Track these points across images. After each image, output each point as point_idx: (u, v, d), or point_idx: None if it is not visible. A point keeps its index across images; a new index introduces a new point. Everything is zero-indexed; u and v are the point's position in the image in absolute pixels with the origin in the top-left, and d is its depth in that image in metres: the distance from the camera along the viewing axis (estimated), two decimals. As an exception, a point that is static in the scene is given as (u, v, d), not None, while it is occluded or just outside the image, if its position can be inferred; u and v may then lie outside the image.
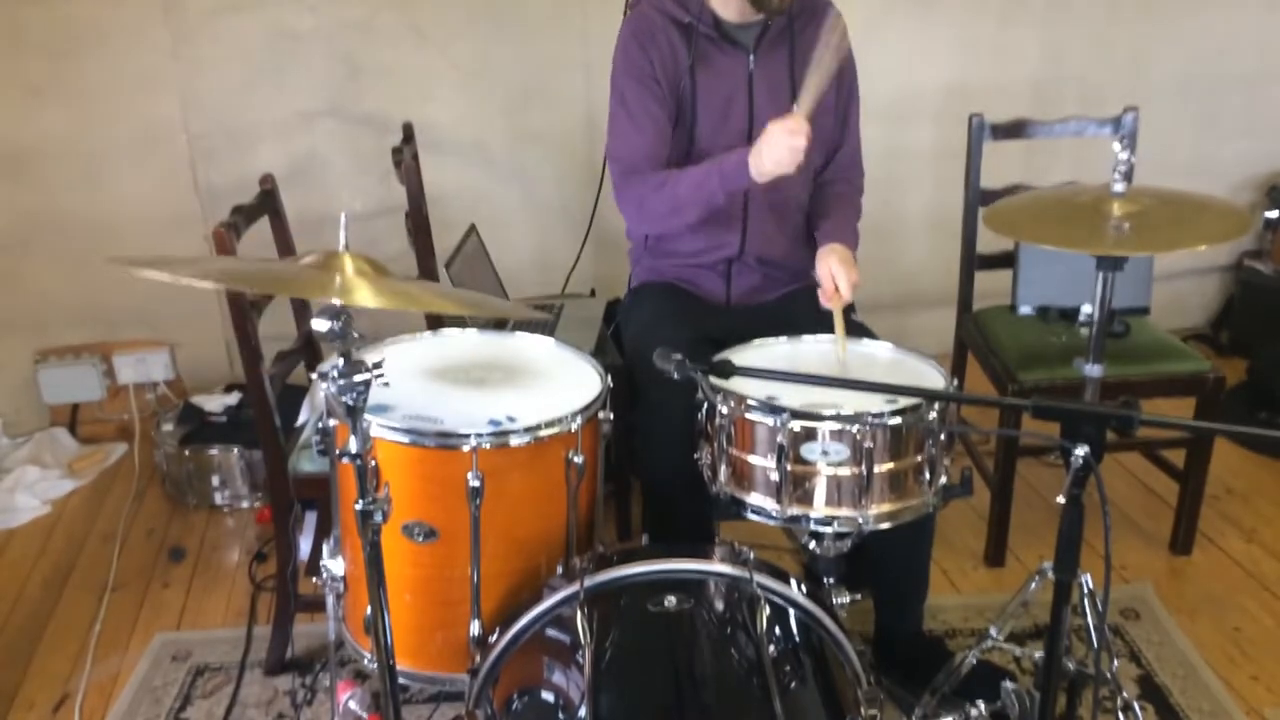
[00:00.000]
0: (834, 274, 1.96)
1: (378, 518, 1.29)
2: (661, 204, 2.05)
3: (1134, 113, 2.57)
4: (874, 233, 2.28)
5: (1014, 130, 2.61)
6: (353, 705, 1.91)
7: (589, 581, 1.46)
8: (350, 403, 1.25)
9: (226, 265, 1.26)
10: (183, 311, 3.15)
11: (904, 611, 2.12)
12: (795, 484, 1.59)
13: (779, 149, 1.87)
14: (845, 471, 1.57)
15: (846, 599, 1.63)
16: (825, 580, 1.68)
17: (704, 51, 2.05)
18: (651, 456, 1.98)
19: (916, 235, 3.45)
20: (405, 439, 1.54)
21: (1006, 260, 2.61)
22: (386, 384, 1.29)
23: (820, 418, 1.56)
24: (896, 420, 1.57)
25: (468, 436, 1.53)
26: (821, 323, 1.95)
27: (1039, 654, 1.61)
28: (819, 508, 1.60)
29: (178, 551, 2.65)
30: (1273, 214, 3.47)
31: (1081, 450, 1.29)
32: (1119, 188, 1.68)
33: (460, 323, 2.01)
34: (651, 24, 2.06)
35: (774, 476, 1.59)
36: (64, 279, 3.10)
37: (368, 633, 1.59)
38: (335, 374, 1.24)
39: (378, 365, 1.27)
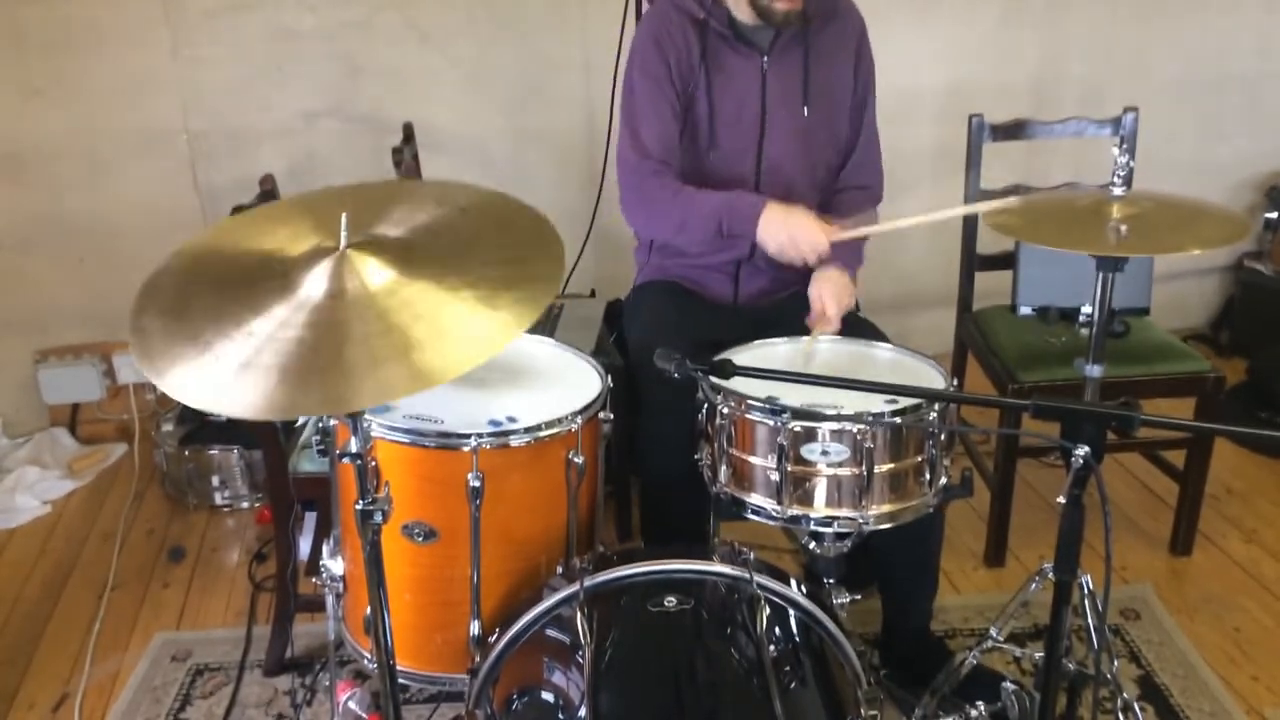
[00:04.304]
0: (824, 301, 1.97)
1: (378, 518, 1.29)
2: (673, 214, 2.04)
3: (1134, 113, 2.57)
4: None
5: (1014, 130, 2.61)
6: (353, 705, 1.91)
7: (589, 582, 1.46)
8: (350, 403, 1.24)
9: (251, 352, 1.05)
10: (183, 311, 3.16)
11: (911, 609, 2.11)
12: (795, 484, 1.60)
13: (796, 244, 1.93)
14: (845, 472, 1.57)
15: (846, 599, 1.62)
16: (825, 580, 1.68)
17: (718, 51, 2.05)
18: (652, 457, 1.98)
19: (916, 235, 3.43)
20: (405, 439, 1.54)
21: (1006, 260, 2.61)
22: (386, 384, 1.29)
23: (821, 418, 1.56)
24: (896, 420, 1.57)
25: (468, 437, 1.53)
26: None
27: (1039, 654, 1.61)
28: (819, 508, 1.60)
29: (177, 551, 2.65)
30: (1273, 215, 3.47)
31: (1081, 450, 1.29)
32: (1118, 191, 1.69)
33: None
34: (669, 22, 2.05)
35: (774, 477, 1.59)
36: (64, 279, 3.10)
37: (367, 633, 1.59)
38: (335, 374, 1.23)
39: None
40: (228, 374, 1.03)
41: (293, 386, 1.00)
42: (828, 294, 1.97)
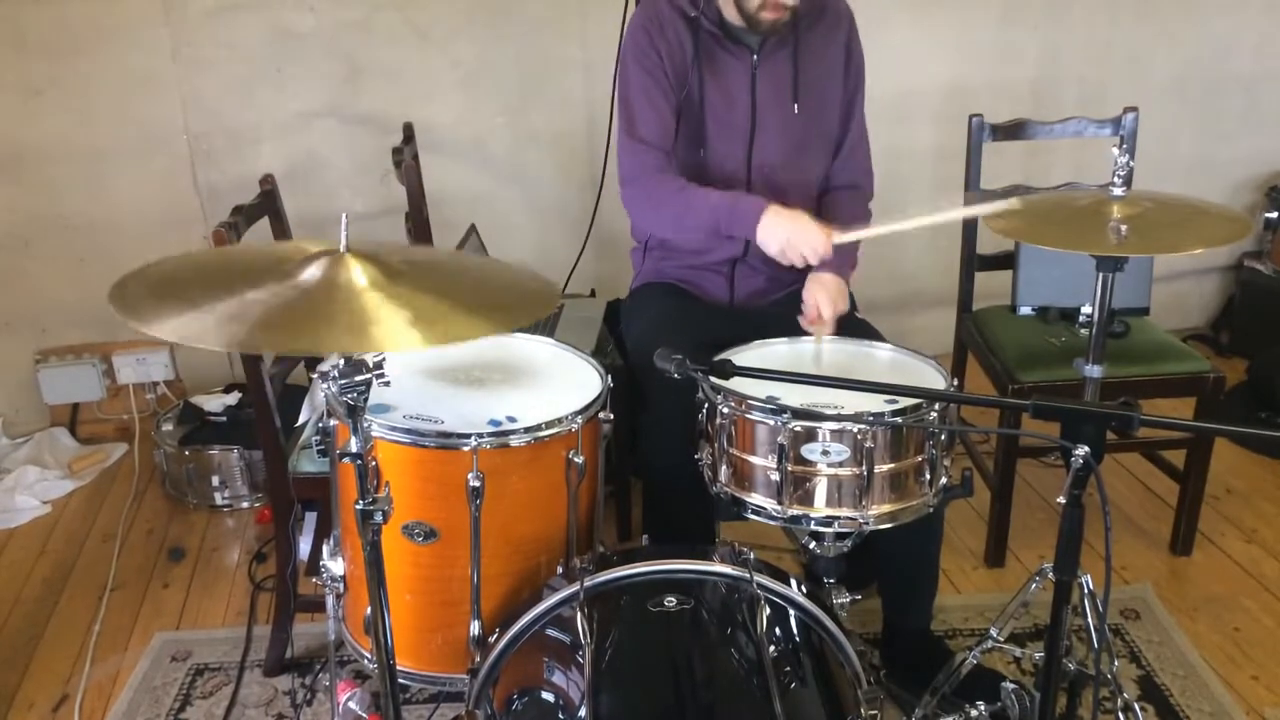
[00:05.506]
0: (819, 305, 1.97)
1: (378, 518, 1.29)
2: (673, 209, 2.04)
3: (1134, 113, 2.57)
4: (874, 233, 2.28)
5: (1014, 131, 2.61)
6: (353, 705, 1.91)
7: (589, 582, 1.46)
8: (350, 403, 1.25)
9: (239, 308, 1.16)
10: (183, 311, 3.16)
11: (911, 609, 2.11)
12: (796, 484, 1.60)
13: (796, 247, 1.90)
14: (846, 472, 1.57)
15: (846, 599, 1.63)
16: (825, 580, 1.68)
17: (709, 49, 2.05)
18: (653, 456, 1.97)
19: (916, 235, 3.43)
20: (405, 439, 1.54)
21: (1006, 260, 2.61)
22: (387, 384, 1.29)
23: (821, 418, 1.56)
24: (896, 420, 1.57)
25: (468, 437, 1.53)
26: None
27: (1039, 654, 1.61)
28: (819, 508, 1.60)
29: (177, 551, 2.65)
30: (1273, 215, 3.47)
31: (1081, 450, 1.29)
32: (1118, 191, 1.69)
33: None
34: (661, 15, 2.05)
35: (774, 476, 1.59)
36: (64, 279, 3.10)
37: (368, 633, 1.59)
38: (335, 374, 1.23)
39: (378, 365, 1.26)
40: (214, 320, 1.14)
41: (271, 331, 1.13)
42: (822, 298, 1.97)
